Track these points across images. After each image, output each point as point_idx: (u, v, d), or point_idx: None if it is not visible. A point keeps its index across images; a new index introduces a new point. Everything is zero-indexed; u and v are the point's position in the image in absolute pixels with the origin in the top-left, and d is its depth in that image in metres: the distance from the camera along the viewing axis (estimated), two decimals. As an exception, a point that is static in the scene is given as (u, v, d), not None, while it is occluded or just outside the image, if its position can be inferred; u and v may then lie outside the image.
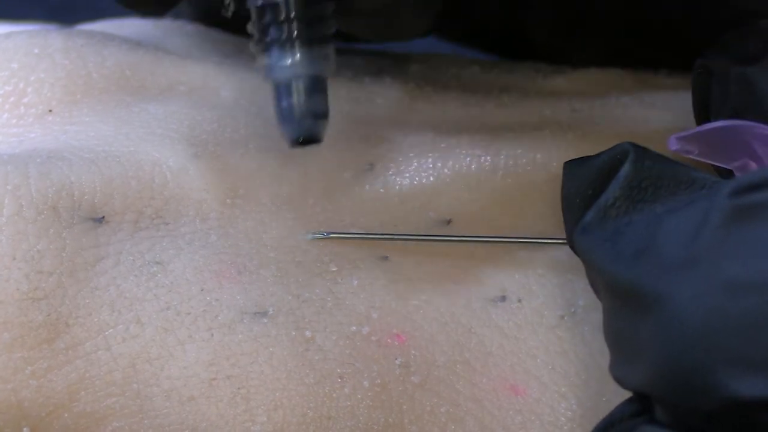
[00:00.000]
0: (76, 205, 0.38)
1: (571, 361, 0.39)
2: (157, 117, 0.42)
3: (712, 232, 0.30)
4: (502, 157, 0.42)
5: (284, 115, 0.37)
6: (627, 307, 0.32)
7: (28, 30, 0.46)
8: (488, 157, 0.42)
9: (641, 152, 0.34)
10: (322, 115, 0.37)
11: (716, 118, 0.40)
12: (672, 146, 0.36)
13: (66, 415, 0.37)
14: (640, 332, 0.31)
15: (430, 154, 0.42)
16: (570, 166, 0.37)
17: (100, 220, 0.38)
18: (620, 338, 0.33)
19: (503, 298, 0.39)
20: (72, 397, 0.37)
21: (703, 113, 0.41)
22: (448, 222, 0.41)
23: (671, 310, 0.30)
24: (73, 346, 0.37)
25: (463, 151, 0.42)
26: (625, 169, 0.34)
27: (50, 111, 0.42)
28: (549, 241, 0.40)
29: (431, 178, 0.41)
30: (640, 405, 0.33)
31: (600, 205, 0.34)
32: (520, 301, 0.39)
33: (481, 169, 0.42)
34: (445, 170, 0.41)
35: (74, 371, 0.37)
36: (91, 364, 0.37)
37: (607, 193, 0.34)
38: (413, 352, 0.38)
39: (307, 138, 0.37)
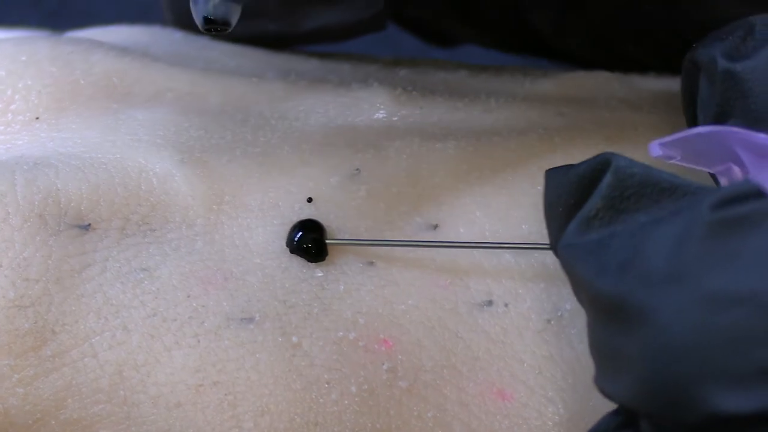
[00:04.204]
0: (62, 213, 0.38)
1: (558, 365, 0.38)
2: (143, 124, 0.42)
3: (695, 246, 0.30)
4: (488, 161, 0.42)
5: None
6: (611, 320, 0.32)
7: (16, 37, 0.46)
8: (475, 162, 0.42)
9: (622, 162, 0.34)
10: None
11: (703, 113, 0.40)
12: (654, 152, 0.36)
13: (53, 422, 0.37)
14: (624, 346, 0.31)
15: (416, 159, 0.42)
16: (551, 174, 0.36)
17: (86, 227, 0.38)
18: (605, 351, 0.33)
19: (490, 303, 0.39)
20: (59, 404, 0.37)
21: (691, 108, 0.41)
22: (435, 227, 0.40)
23: (655, 324, 0.30)
24: (59, 354, 0.37)
25: (450, 157, 0.42)
26: (607, 179, 0.33)
27: (37, 118, 0.42)
28: (535, 246, 0.40)
29: (417, 183, 0.41)
30: (626, 417, 0.33)
31: (582, 217, 0.34)
32: (506, 305, 0.39)
33: (468, 174, 0.42)
34: (432, 175, 0.41)
35: (61, 378, 0.37)
36: (78, 372, 0.37)
37: (589, 203, 0.34)
38: (400, 357, 0.38)
39: (216, 19, 0.37)
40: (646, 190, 0.33)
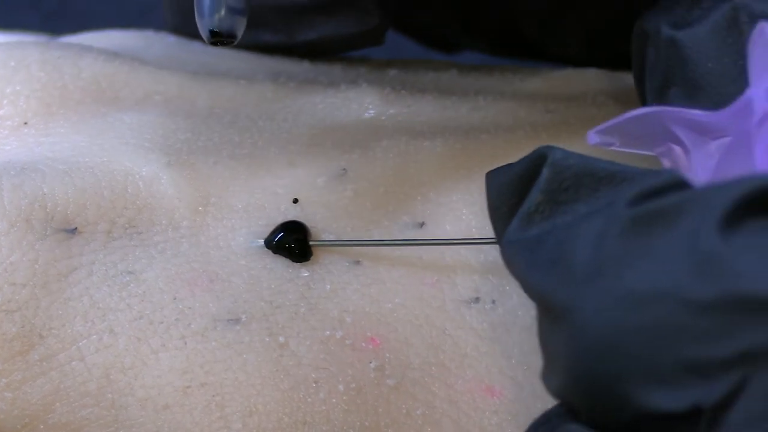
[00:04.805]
0: (49, 217, 0.38)
1: None
2: (132, 127, 0.42)
3: (612, 243, 0.30)
4: (475, 158, 0.42)
5: (201, 9, 0.37)
6: (544, 317, 0.32)
7: (5, 42, 0.46)
8: (462, 159, 0.42)
9: (558, 154, 0.33)
10: (238, 11, 0.37)
11: (649, 82, 0.39)
12: (591, 140, 0.36)
13: (41, 426, 0.37)
14: (554, 343, 0.31)
15: (403, 158, 0.42)
16: (492, 175, 0.36)
17: (72, 231, 0.38)
18: (542, 347, 0.33)
19: (477, 300, 0.39)
20: (47, 408, 0.37)
21: (641, 77, 0.40)
22: (421, 225, 0.40)
23: (577, 322, 0.30)
24: (47, 358, 0.37)
25: (437, 155, 0.42)
26: (544, 173, 0.33)
27: (26, 123, 0.42)
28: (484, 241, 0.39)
29: (404, 182, 0.41)
30: (567, 405, 0.33)
31: (523, 212, 0.33)
32: (493, 302, 0.39)
33: (455, 171, 0.42)
34: (419, 173, 0.41)
35: (49, 383, 0.37)
36: (66, 375, 0.37)
37: (529, 199, 0.33)
38: (388, 355, 0.38)
39: (222, 32, 0.37)
40: (584, 180, 0.33)
